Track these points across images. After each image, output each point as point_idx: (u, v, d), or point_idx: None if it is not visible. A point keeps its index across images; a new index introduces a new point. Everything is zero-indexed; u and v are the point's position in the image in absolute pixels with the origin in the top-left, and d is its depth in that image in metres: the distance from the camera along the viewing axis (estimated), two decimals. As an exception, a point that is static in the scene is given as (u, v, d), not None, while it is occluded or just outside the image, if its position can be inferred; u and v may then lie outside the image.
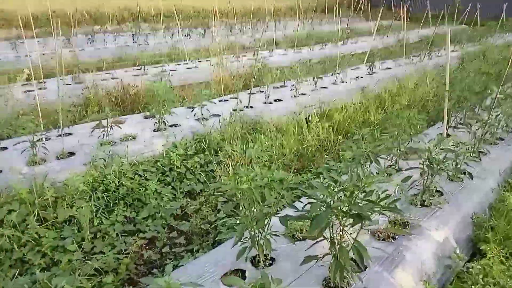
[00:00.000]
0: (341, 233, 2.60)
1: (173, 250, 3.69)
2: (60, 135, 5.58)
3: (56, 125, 6.14)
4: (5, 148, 5.01)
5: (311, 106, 7.18)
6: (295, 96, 7.81)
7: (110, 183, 4.40)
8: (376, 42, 15.23)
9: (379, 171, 3.92)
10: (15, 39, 12.24)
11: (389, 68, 10.70)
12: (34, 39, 9.78)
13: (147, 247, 3.76)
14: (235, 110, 6.54)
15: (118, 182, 4.45)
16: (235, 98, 7.39)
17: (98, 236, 3.81)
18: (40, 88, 8.35)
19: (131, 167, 4.76)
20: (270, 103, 7.42)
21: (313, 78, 8.55)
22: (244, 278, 2.89)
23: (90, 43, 13.82)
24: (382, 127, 4.99)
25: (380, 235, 3.39)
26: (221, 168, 4.86)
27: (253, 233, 2.87)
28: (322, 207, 2.47)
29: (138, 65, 10.46)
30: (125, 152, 4.99)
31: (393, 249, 3.20)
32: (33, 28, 10.21)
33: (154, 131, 5.75)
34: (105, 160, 4.75)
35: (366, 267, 2.98)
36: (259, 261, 3.01)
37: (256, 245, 2.83)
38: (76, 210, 4.02)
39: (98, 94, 7.43)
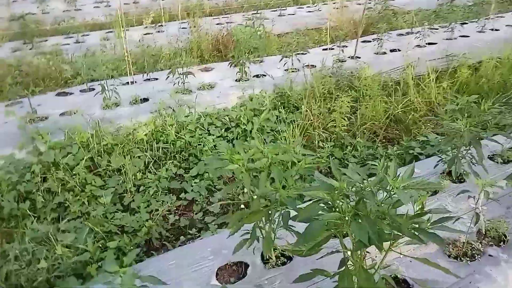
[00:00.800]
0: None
1: (204, 219, 3.30)
2: (147, 79, 5.57)
3: (153, 68, 6.19)
4: (92, 89, 5.18)
5: (437, 59, 5.76)
6: (419, 46, 6.40)
7: (169, 135, 4.17)
8: None
9: (479, 157, 2.79)
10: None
11: None
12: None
13: (182, 210, 3.46)
14: (337, 60, 5.65)
15: (177, 134, 4.19)
16: (344, 46, 6.40)
17: (140, 190, 3.65)
18: (158, 31, 8.58)
19: (196, 119, 4.45)
20: (384, 53, 6.22)
21: (449, 24, 6.87)
22: (244, 275, 2.35)
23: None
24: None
25: (452, 250, 2.42)
26: (292, 129, 4.18)
27: (260, 225, 2.26)
28: (320, 213, 1.72)
29: (257, 10, 9.96)
30: (196, 101, 4.68)
31: (466, 275, 2.24)
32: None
33: (235, 81, 5.30)
34: (172, 110, 4.53)
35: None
36: (270, 257, 2.41)
37: (257, 239, 2.22)
38: (130, 160, 3.92)
39: (202, 39, 7.23)
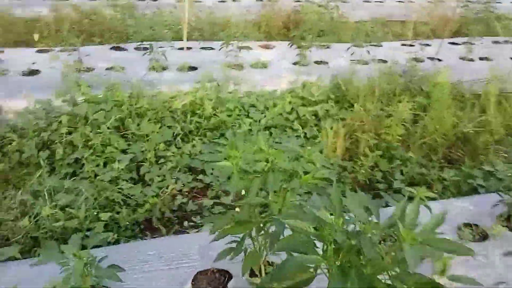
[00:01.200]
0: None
1: (213, 208, 3.01)
2: (203, 48, 5.34)
3: (214, 37, 5.95)
4: (146, 48, 5.02)
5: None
6: (517, 58, 5.49)
7: (205, 109, 3.90)
8: None
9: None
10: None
11: None
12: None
13: (195, 193, 3.20)
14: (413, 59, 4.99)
15: (214, 110, 3.91)
16: (427, 45, 5.68)
17: (159, 162, 3.44)
18: (234, 1, 8.30)
19: (239, 98, 4.12)
20: (471, 60, 5.41)
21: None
22: (224, 286, 2.03)
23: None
24: None
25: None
26: (338, 128, 3.71)
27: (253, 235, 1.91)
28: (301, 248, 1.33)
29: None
30: (245, 78, 4.36)
31: None
32: None
33: (293, 64, 4.87)
34: (217, 83, 4.24)
35: None
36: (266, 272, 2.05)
37: (242, 251, 1.87)
38: (160, 128, 3.73)
39: (273, 14, 6.83)
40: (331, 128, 3.67)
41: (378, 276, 1.32)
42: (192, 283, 2.03)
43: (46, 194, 2.63)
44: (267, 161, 1.74)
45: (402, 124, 3.68)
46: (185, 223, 2.86)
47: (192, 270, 2.10)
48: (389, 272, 1.34)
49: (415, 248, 1.27)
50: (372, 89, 4.19)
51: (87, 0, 7.45)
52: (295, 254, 1.42)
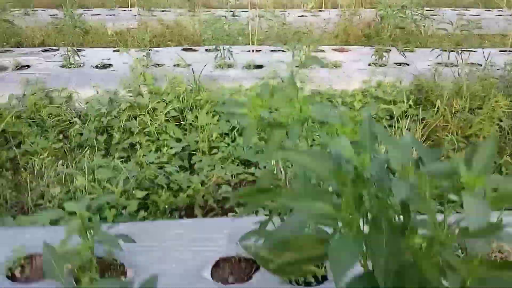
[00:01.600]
0: None
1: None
2: (273, 50, 5.18)
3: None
4: (217, 50, 4.98)
5: None
6: None
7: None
8: None
9: None
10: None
11: None
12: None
13: (244, 185, 2.91)
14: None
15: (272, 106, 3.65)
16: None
17: (212, 153, 3.23)
18: (313, 15, 8.18)
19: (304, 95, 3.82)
20: None
21: None
22: (249, 277, 1.68)
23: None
24: None
25: None
26: (415, 127, 3.22)
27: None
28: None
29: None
30: (313, 77, 4.07)
31: None
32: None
33: (368, 64, 4.47)
34: (281, 80, 4.00)
35: None
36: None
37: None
38: (218, 120, 3.56)
39: (353, 22, 6.51)
40: (406, 128, 3.20)
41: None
42: (213, 269, 1.71)
43: (86, 168, 2.53)
44: (295, 109, 1.41)
45: (497, 125, 3.08)
46: (228, 214, 2.58)
47: (215, 255, 1.79)
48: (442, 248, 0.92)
49: (482, 199, 0.81)
50: (460, 89, 3.62)
51: (173, 15, 7.85)
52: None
